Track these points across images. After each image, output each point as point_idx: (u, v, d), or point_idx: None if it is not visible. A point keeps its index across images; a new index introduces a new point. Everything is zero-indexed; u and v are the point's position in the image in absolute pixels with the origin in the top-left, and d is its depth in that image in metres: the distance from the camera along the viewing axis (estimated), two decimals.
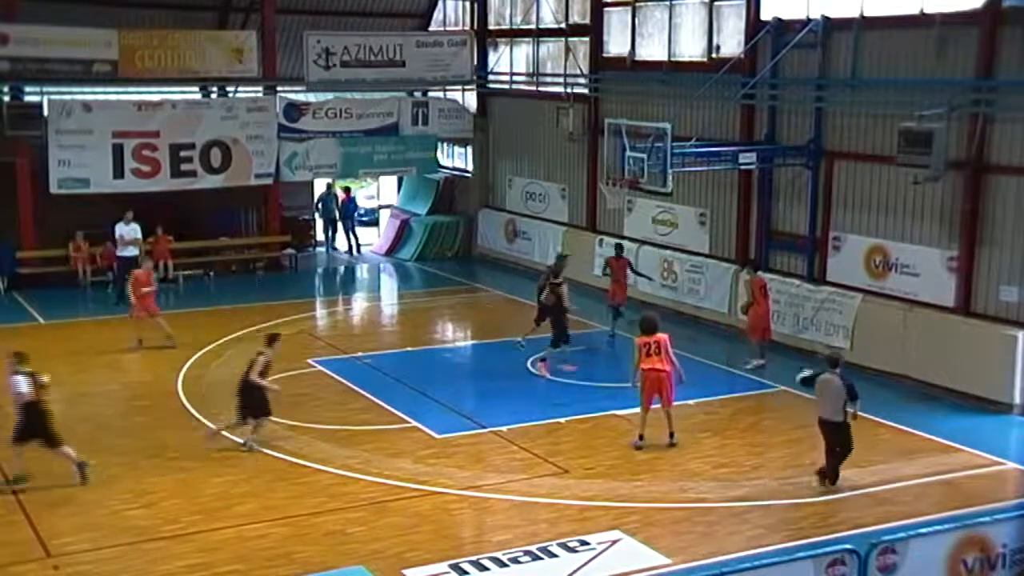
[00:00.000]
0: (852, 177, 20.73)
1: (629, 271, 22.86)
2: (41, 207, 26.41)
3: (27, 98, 26.35)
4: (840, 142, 20.90)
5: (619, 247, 23.09)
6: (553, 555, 12.52)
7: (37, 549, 12.80)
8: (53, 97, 26.32)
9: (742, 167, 21.89)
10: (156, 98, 27.35)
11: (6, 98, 25.97)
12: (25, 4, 26.15)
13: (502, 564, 12.25)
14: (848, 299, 20.32)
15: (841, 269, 20.96)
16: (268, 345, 16.31)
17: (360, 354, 21.17)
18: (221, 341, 21.60)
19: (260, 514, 13.72)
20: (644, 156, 20.35)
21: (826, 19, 20.78)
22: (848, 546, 10.31)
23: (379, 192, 36.50)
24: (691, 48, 24.32)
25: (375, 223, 34.96)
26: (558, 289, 19.98)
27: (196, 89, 28.59)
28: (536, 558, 12.44)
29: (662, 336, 16.03)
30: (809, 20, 21.04)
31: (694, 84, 23.12)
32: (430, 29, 32.85)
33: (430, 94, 31.24)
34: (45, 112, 26.02)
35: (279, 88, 29.02)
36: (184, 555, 12.60)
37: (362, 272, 30.92)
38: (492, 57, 31.64)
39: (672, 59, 24.74)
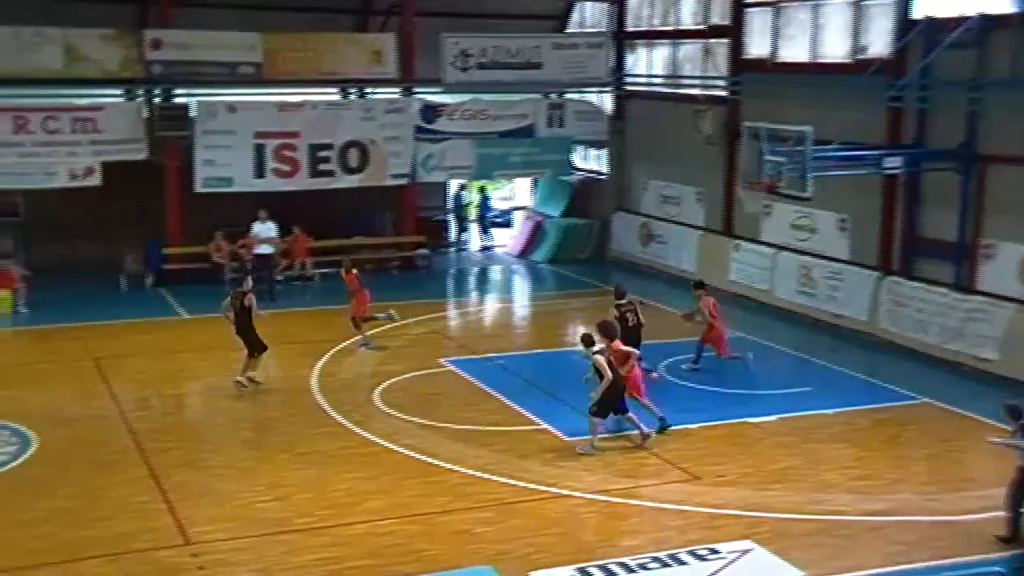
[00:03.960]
0: (1009, 182, 19.93)
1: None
2: (186, 205, 27.20)
3: (176, 100, 27.18)
4: (996, 145, 20.11)
5: (700, 283, 20.81)
6: (682, 562, 12.27)
7: (177, 536, 13.07)
8: (200, 99, 27.11)
9: (887, 171, 21.26)
10: (297, 99, 27.89)
11: (157, 100, 26.85)
12: (177, 10, 26.99)
13: (630, 570, 12.07)
14: (1000, 309, 19.56)
15: (993, 278, 20.18)
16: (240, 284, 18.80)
17: (492, 354, 21.19)
18: (356, 338, 21.85)
19: (390, 511, 13.79)
20: (783, 160, 19.91)
21: (984, 17, 20.02)
22: (997, 568, 9.86)
23: (514, 193, 36.57)
24: (835, 49, 23.75)
25: (509, 224, 35.03)
26: (623, 309, 19.13)
27: (335, 90, 29.03)
28: (665, 565, 12.21)
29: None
30: (966, 18, 20.31)
31: (838, 86, 22.56)
32: (567, 31, 32.81)
33: (566, 96, 31.19)
34: (192, 113, 26.83)
35: (416, 90, 29.30)
36: (315, 548, 12.73)
37: (495, 273, 31.01)
38: (629, 59, 31.44)
39: (815, 60, 24.22)
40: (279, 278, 26.91)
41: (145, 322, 23.57)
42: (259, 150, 27.24)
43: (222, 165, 26.94)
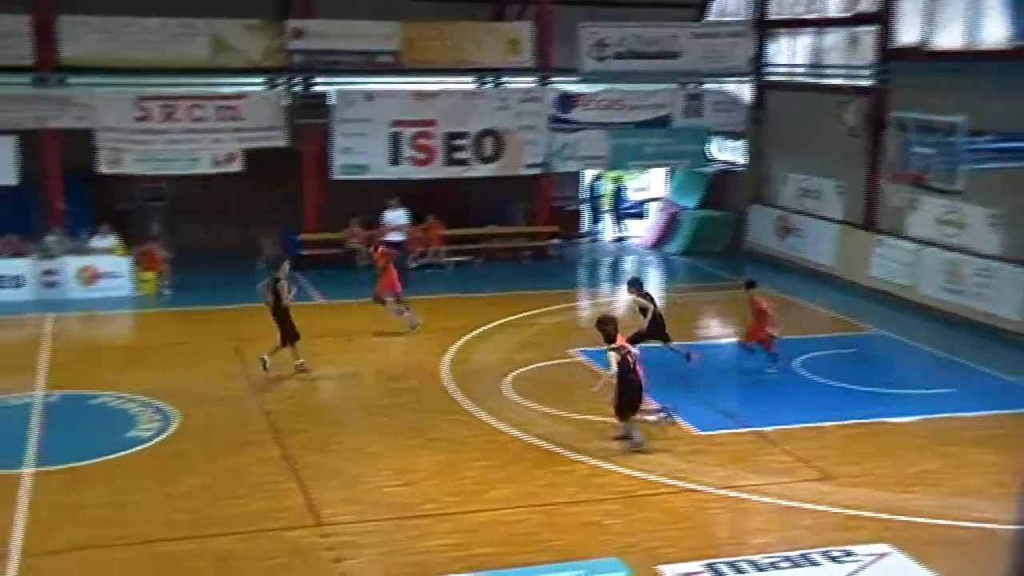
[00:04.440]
0: None
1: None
2: (323, 192, 27.73)
3: (316, 88, 27.71)
4: None
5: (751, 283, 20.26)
6: (814, 563, 12.00)
7: (308, 517, 13.31)
8: (339, 87, 27.58)
9: None
10: (433, 88, 28.16)
11: (297, 88, 27.44)
12: (319, 1, 27.50)
13: (760, 568, 11.86)
14: None
15: None
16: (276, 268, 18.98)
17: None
18: (487, 327, 21.98)
19: (517, 499, 13.82)
20: (932, 152, 19.27)
21: None
22: None
23: (648, 184, 36.32)
24: (994, 35, 22.83)
25: (643, 215, 34.80)
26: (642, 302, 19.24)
27: (471, 79, 29.21)
28: (796, 564, 11.95)
29: None
30: None
31: (995, 74, 21.72)
32: (707, 19, 32.40)
33: (704, 86, 30.82)
34: (331, 101, 27.32)
35: (552, 79, 29.30)
36: (442, 534, 12.84)
37: (627, 264, 30.83)
38: (771, 48, 30.89)
39: (971, 47, 23.35)
40: (412, 265, 27.23)
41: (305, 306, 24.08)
42: (395, 138, 27.60)
43: (359, 153, 27.38)
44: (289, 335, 19.08)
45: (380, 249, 22.13)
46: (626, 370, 15.17)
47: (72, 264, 25.00)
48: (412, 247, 27.58)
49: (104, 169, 26.00)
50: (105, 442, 15.62)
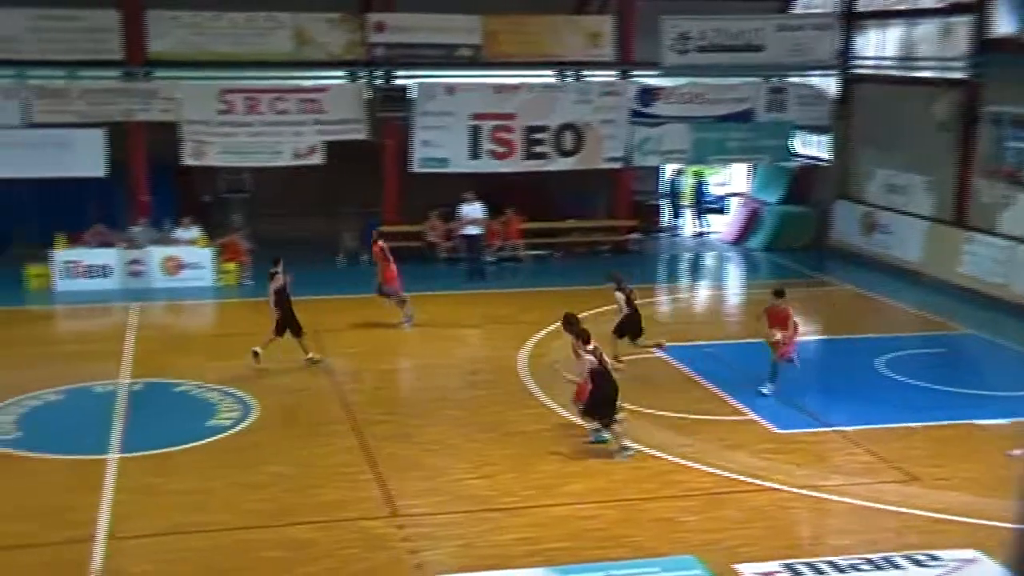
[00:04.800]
0: None
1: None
2: (403, 185, 27.91)
3: (396, 81, 27.87)
4: None
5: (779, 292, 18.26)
6: (897, 566, 11.79)
7: (384, 507, 13.41)
8: (420, 80, 27.71)
9: None
10: (513, 81, 28.15)
11: (378, 81, 27.62)
12: None
13: (840, 570, 11.69)
14: None
15: None
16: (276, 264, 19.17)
17: (701, 342, 20.91)
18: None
19: (592, 495, 13.79)
20: None
21: None
22: None
23: (730, 179, 35.97)
24: None
25: (724, 210, 34.47)
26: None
27: (551, 73, 29.14)
28: (877, 567, 11.76)
29: None
30: None
31: None
32: (792, 11, 31.97)
33: (788, 79, 30.41)
34: (412, 95, 27.46)
35: (633, 72, 29.13)
36: (517, 528, 12.85)
37: (708, 259, 30.60)
38: (858, 41, 30.37)
39: None
40: (490, 259, 27.28)
41: (360, 298, 24.23)
42: (475, 131, 27.66)
43: (439, 146, 27.49)
44: (292, 328, 19.15)
45: (379, 244, 22.10)
46: (601, 372, 14.92)
47: (157, 254, 25.48)
48: (490, 241, 27.62)
49: (188, 161, 26.44)
50: (186, 430, 15.90)
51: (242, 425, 16.25)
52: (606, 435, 15.16)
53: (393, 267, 21.84)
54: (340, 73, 27.69)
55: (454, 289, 25.31)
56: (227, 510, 13.30)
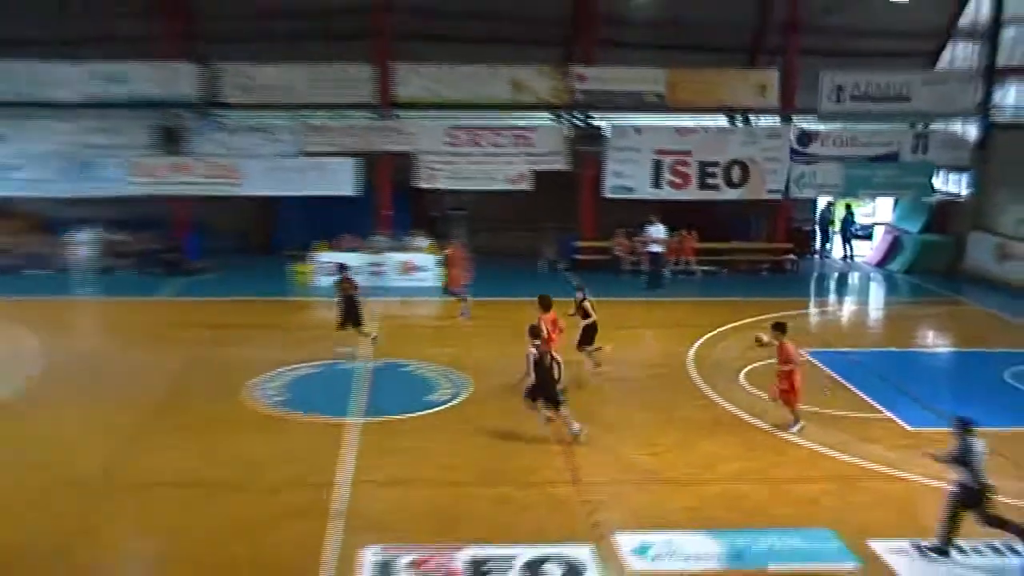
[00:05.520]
0: None
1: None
2: (595, 207, 28.00)
3: (593, 122, 27.98)
4: None
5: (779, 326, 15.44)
6: (1017, 553, 11.14)
7: (567, 475, 13.49)
8: (613, 122, 27.75)
9: None
10: (691, 124, 27.88)
11: (578, 122, 27.79)
12: (599, 50, 27.76)
13: (963, 551, 11.15)
14: None
15: None
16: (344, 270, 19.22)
17: (846, 349, 20.22)
18: (728, 326, 21.57)
19: (745, 474, 13.55)
20: None
21: None
22: None
23: (875, 210, 34.64)
24: None
25: (869, 237, 33.21)
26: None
27: (723, 117, 28.70)
28: (1000, 552, 11.17)
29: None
30: None
31: None
32: (937, 68, 30.55)
33: (931, 127, 29.08)
34: (606, 133, 27.53)
35: (794, 117, 28.39)
36: (679, 499, 12.75)
37: (854, 279, 29.53)
38: (998, 93, 28.78)
39: None
40: (668, 273, 27.10)
41: (557, 300, 24.37)
42: (657, 165, 27.51)
43: (626, 176, 27.48)
44: (354, 321, 19.21)
45: (454, 249, 22.94)
46: (544, 366, 14.74)
47: (394, 259, 26.28)
48: (669, 256, 27.43)
49: (421, 184, 27.20)
50: (413, 402, 16.35)
51: (456, 400, 16.60)
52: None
53: (461, 273, 22.49)
54: (547, 114, 27.98)
55: (635, 296, 25.20)
56: (443, 468, 13.63)
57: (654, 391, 17.43)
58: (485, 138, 27.10)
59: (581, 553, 11.13)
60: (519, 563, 10.90)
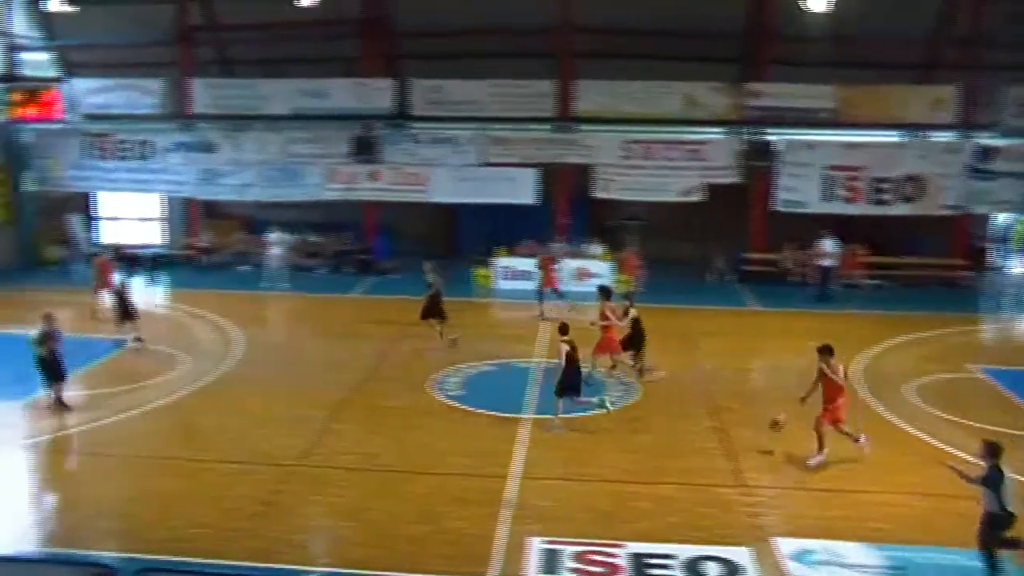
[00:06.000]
0: None
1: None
2: (764, 220, 27.49)
3: (765, 137, 27.47)
4: None
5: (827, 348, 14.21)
6: None
7: (731, 478, 13.40)
8: (785, 137, 27.18)
9: None
10: (862, 139, 26.95)
11: (749, 137, 27.34)
12: (772, 68, 27.24)
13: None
14: None
15: None
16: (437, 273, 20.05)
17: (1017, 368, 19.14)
18: (897, 340, 20.80)
19: (908, 487, 13.07)
20: None
21: None
22: None
23: None
24: None
25: None
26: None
27: (897, 132, 27.60)
28: None
29: None
30: None
31: None
32: None
33: None
34: (777, 148, 26.98)
35: (972, 133, 27.01)
36: (841, 507, 12.45)
37: None
38: None
39: None
40: (835, 286, 26.30)
41: (724, 310, 24.18)
42: (828, 180, 26.75)
43: (797, 191, 26.83)
44: (436, 314, 20.07)
45: (548, 256, 23.71)
46: (572, 360, 14.97)
47: (570, 264, 26.59)
48: (839, 270, 26.62)
49: (598, 194, 27.40)
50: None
51: (626, 402, 16.70)
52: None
53: (553, 275, 23.15)
54: (719, 130, 27.66)
55: (804, 307, 24.60)
56: (609, 466, 13.77)
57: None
58: (659, 151, 27.05)
59: (741, 555, 11.06)
60: (679, 561, 10.94)
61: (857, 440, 14.04)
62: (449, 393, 16.92)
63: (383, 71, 28.23)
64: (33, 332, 16.03)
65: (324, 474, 13.43)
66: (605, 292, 18.20)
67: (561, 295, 23.27)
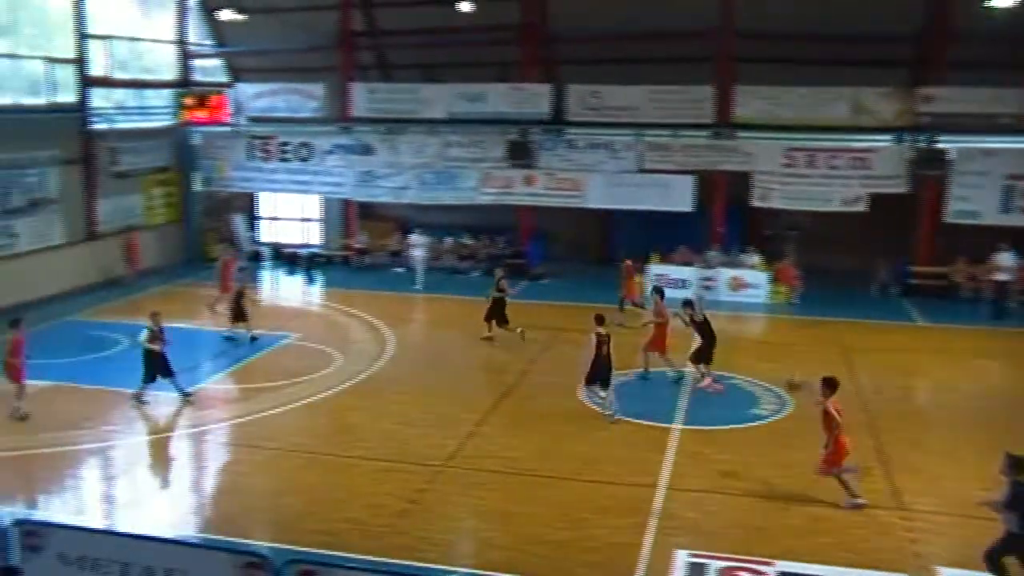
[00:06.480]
0: None
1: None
2: (933, 232, 26.33)
3: (937, 145, 26.27)
4: None
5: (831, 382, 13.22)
6: None
7: (891, 500, 12.96)
8: (957, 144, 25.93)
9: None
10: None
11: (920, 144, 26.21)
12: (947, 71, 26.06)
13: None
14: None
15: None
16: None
17: None
18: None
19: None
20: None
21: None
22: None
23: None
24: None
25: None
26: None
27: None
28: None
29: None
30: None
31: None
32: None
33: None
34: (950, 156, 25.78)
35: None
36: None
37: None
38: None
39: None
40: (1012, 303, 24.89)
41: (887, 324, 23.27)
42: (1007, 190, 25.30)
43: (972, 201, 25.52)
44: (499, 319, 20.96)
45: (628, 262, 23.40)
46: (600, 351, 15.66)
47: (725, 274, 26.19)
48: (1017, 285, 25.18)
49: (756, 202, 26.83)
50: (734, 414, 16.32)
51: (777, 416, 16.35)
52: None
53: (634, 284, 23.29)
54: (887, 137, 26.60)
55: (975, 324, 23.42)
56: (758, 481, 13.53)
57: (988, 423, 16.16)
58: (821, 159, 26.27)
59: None
60: None
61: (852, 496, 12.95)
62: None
63: (540, 76, 28.55)
64: (142, 333, 17.18)
65: (470, 476, 13.70)
66: (659, 292, 19.29)
67: (640, 306, 22.77)
